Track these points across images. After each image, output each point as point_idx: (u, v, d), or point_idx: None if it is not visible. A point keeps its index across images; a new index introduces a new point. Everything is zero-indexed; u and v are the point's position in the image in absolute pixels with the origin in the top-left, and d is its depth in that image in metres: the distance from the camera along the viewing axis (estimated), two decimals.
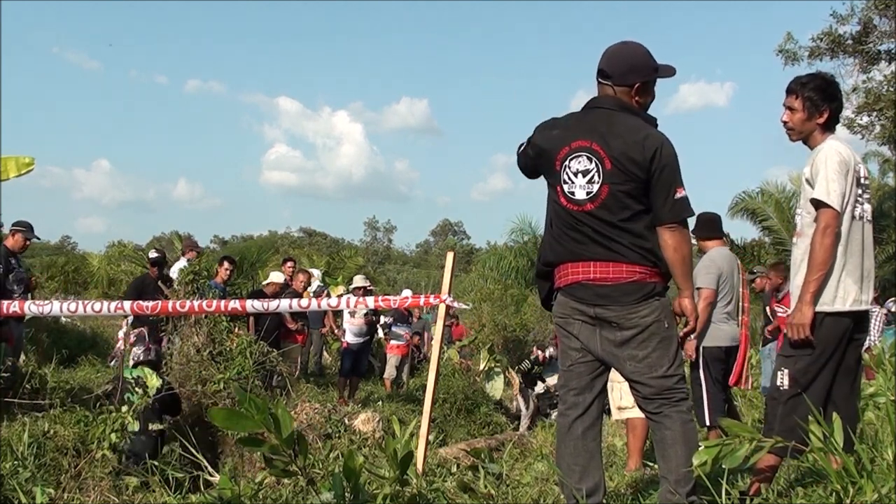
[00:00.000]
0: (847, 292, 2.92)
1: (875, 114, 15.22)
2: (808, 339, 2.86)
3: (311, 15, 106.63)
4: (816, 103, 3.03)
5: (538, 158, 2.88)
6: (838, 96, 3.10)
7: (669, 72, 2.88)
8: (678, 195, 2.66)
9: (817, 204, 2.91)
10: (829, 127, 3.07)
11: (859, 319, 2.98)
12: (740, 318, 5.27)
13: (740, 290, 5.28)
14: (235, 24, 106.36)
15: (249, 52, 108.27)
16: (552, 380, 10.83)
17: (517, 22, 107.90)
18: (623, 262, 2.67)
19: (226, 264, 9.04)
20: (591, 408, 2.81)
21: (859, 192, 3.01)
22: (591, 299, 2.72)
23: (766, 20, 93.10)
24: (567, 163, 2.74)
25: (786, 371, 2.94)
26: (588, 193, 2.70)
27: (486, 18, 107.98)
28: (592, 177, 2.69)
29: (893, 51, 15.44)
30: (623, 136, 2.68)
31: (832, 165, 2.91)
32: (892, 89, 15.09)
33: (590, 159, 2.70)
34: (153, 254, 9.02)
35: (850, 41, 15.38)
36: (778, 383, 2.96)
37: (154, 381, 5.45)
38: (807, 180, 3.00)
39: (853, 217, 2.97)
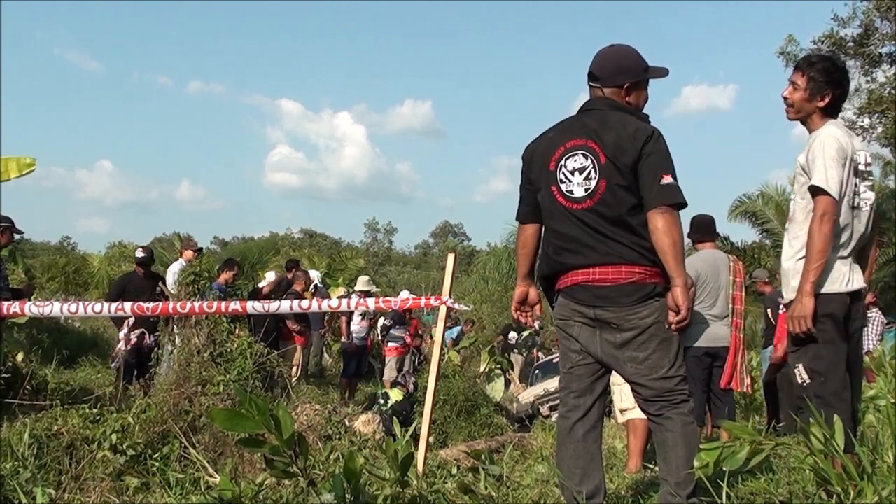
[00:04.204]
0: (841, 274, 2.88)
1: (876, 116, 15.24)
2: (809, 332, 2.81)
3: (313, 17, 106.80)
4: (820, 85, 2.95)
5: (531, 164, 2.88)
6: (844, 83, 3.02)
7: (661, 73, 2.88)
8: (665, 181, 2.61)
9: (815, 191, 2.84)
10: (829, 112, 2.99)
11: (852, 304, 2.91)
12: (731, 319, 5.25)
13: (730, 291, 5.24)
14: (237, 25, 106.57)
15: (251, 54, 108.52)
16: (551, 382, 10.83)
17: (521, 24, 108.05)
18: (622, 264, 2.66)
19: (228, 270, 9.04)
20: (592, 410, 2.81)
21: (857, 181, 2.93)
22: (590, 301, 2.71)
23: (770, 22, 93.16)
24: (563, 162, 2.75)
25: (800, 366, 2.89)
26: (587, 190, 2.70)
27: (491, 20, 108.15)
28: (589, 173, 2.70)
29: (895, 53, 15.46)
30: (615, 130, 2.69)
31: (830, 153, 2.84)
32: (893, 91, 15.12)
33: (585, 156, 2.71)
34: (140, 253, 8.64)
35: (851, 43, 15.40)
36: (799, 381, 2.89)
37: (395, 397, 7.96)
38: (801, 166, 2.94)
39: (851, 207, 2.91)
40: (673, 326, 2.62)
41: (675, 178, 2.64)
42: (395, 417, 7.11)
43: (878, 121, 15.40)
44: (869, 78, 15.66)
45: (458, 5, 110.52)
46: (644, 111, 2.89)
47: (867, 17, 15.06)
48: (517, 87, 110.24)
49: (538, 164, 2.84)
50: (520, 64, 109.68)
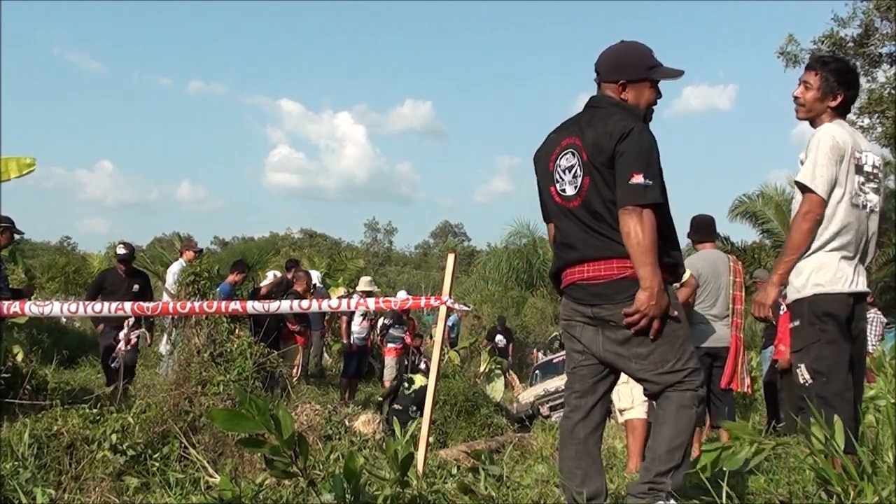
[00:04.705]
0: (844, 274, 2.88)
1: (876, 116, 15.25)
2: (767, 319, 2.88)
3: (313, 17, 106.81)
4: (833, 86, 2.97)
5: (537, 167, 2.90)
6: (855, 85, 3.04)
7: (671, 73, 2.81)
8: (633, 180, 2.55)
9: (802, 188, 2.87)
10: (839, 113, 3.00)
11: (856, 304, 2.92)
12: (731, 319, 5.24)
13: (730, 291, 5.24)
14: (237, 25, 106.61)
15: (251, 54, 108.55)
16: (551, 382, 10.84)
17: (521, 24, 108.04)
18: (614, 258, 2.64)
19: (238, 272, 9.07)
20: (594, 411, 2.79)
21: (861, 179, 2.93)
22: (587, 299, 2.71)
23: (770, 22, 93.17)
24: (558, 161, 2.78)
25: (802, 366, 2.89)
26: (575, 188, 2.71)
27: (491, 20, 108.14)
28: (576, 171, 2.71)
29: (895, 53, 15.46)
30: (596, 127, 2.68)
31: (823, 150, 2.85)
32: (893, 91, 15.12)
33: (573, 154, 2.73)
34: (121, 250, 8.33)
35: (851, 44, 15.42)
36: (801, 381, 2.89)
37: (419, 382, 7.97)
38: (801, 162, 2.95)
39: (853, 206, 2.91)
40: (630, 329, 2.58)
41: (648, 175, 2.55)
42: (417, 403, 7.45)
43: (877, 121, 15.40)
44: (869, 78, 15.67)
45: (458, 5, 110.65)
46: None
47: (867, 17, 15.08)
48: (517, 87, 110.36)
49: (542, 166, 2.87)
50: (520, 64, 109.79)
